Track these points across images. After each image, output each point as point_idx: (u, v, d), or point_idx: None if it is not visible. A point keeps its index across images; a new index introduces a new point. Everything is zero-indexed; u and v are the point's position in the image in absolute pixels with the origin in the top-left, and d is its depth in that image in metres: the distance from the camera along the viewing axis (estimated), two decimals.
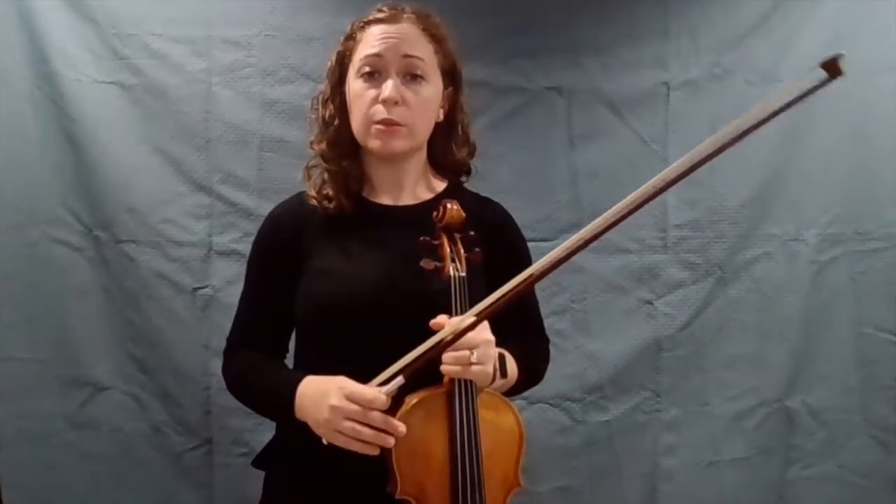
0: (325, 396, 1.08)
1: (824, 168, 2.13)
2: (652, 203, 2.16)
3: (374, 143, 1.20)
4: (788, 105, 0.95)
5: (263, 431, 2.00)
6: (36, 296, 2.04)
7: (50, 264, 2.04)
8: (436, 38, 1.23)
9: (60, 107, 2.02)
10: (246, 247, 2.03)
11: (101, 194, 2.04)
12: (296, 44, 2.08)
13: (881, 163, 2.12)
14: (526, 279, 1.08)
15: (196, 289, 2.07)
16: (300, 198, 1.29)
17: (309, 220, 1.25)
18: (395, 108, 1.18)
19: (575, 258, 2.06)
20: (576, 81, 2.13)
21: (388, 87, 1.17)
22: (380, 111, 1.18)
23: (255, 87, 2.08)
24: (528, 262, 1.34)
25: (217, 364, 2.04)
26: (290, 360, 1.34)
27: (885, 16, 2.11)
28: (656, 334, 2.17)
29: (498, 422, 1.17)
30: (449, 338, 1.06)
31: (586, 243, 1.04)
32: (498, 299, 1.06)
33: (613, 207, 1.02)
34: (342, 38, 1.26)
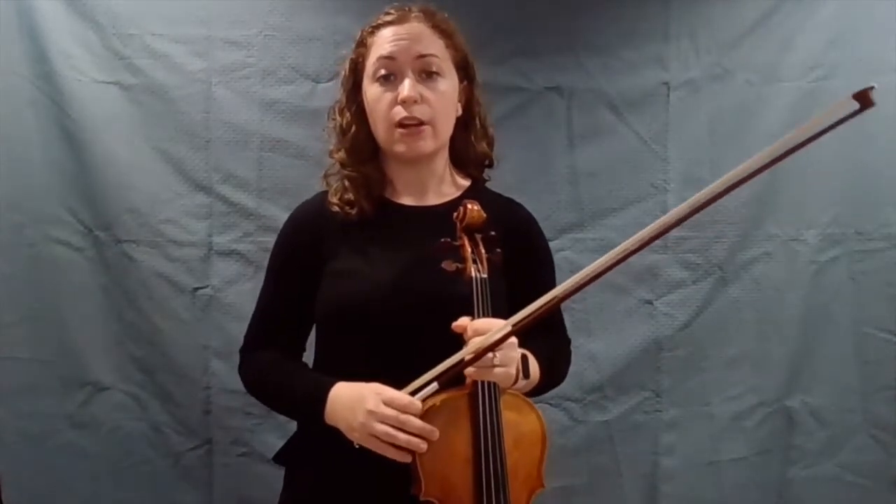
0: (360, 401, 1.09)
1: (824, 168, 2.12)
2: (652, 203, 2.19)
3: (400, 147, 1.20)
4: (818, 135, 0.98)
5: (263, 431, 2.01)
6: (36, 296, 2.04)
7: (50, 264, 2.04)
8: (446, 34, 1.23)
9: (60, 107, 2.02)
10: (246, 247, 2.06)
11: (101, 194, 2.04)
12: (296, 44, 2.08)
13: (881, 163, 2.12)
14: (550, 300, 1.10)
15: (196, 289, 2.07)
16: (322, 198, 1.28)
17: (330, 220, 1.24)
18: (415, 106, 1.18)
19: (575, 258, 2.08)
20: (576, 81, 2.13)
21: (407, 87, 1.17)
22: (400, 111, 1.18)
23: (255, 87, 2.08)
24: (551, 264, 1.33)
25: (217, 364, 2.06)
26: (307, 359, 1.34)
27: (885, 16, 2.11)
28: (656, 334, 2.16)
29: (521, 422, 1.17)
30: (481, 350, 1.06)
31: (606, 271, 1.09)
32: (528, 316, 1.08)
33: (630, 239, 1.07)
34: (353, 46, 1.25)
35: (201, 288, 2.07)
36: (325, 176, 1.30)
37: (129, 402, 2.08)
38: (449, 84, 1.23)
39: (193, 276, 2.08)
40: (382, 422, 1.07)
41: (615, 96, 2.14)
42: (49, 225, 2.04)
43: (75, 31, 2.01)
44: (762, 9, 2.12)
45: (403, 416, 1.06)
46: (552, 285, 1.32)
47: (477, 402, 1.11)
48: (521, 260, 1.24)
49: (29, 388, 2.04)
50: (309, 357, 1.34)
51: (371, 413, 1.07)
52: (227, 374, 2.04)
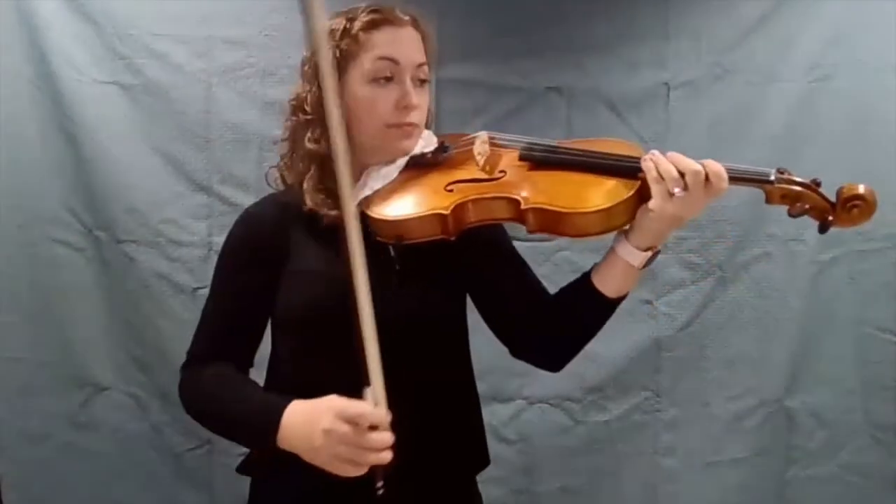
0: (316, 420, 1.01)
1: (824, 168, 2.11)
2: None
3: (395, 146, 1.17)
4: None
5: None
6: (36, 296, 2.04)
7: (50, 264, 2.05)
8: (427, 42, 1.21)
9: (60, 107, 2.02)
10: None
11: (101, 194, 2.04)
12: (296, 44, 2.07)
13: (881, 163, 2.11)
14: None
15: (196, 289, 2.07)
16: (275, 199, 1.24)
17: (289, 221, 1.20)
18: (413, 112, 1.17)
19: (575, 258, 2.07)
20: (576, 81, 2.13)
21: (412, 94, 1.15)
22: (399, 115, 1.16)
23: (255, 87, 2.08)
24: (508, 244, 1.29)
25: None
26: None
27: (885, 16, 2.10)
28: (656, 334, 2.16)
29: None
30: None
31: None
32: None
33: None
34: (337, 36, 1.18)
35: (201, 288, 2.07)
36: (285, 169, 1.23)
37: (129, 402, 2.08)
38: (429, 90, 1.22)
39: (193, 276, 2.08)
40: (342, 442, 0.99)
41: (615, 96, 2.14)
42: (49, 225, 2.04)
43: (75, 31, 2.01)
44: (762, 9, 2.12)
45: (362, 438, 0.99)
46: (513, 249, 1.28)
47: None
48: (476, 250, 1.21)
49: (29, 388, 2.04)
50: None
51: (328, 433, 0.99)
52: None
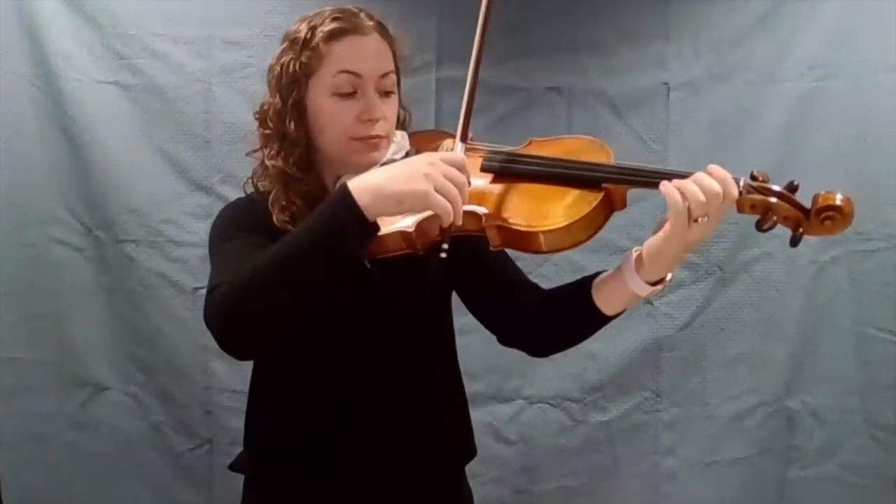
0: (413, 160, 0.98)
1: (824, 167, 2.12)
2: (652, 203, 2.18)
3: (361, 159, 1.15)
4: None
5: None
6: (36, 296, 2.05)
7: (50, 264, 2.05)
8: (394, 48, 1.19)
9: (60, 107, 2.02)
10: None
11: (102, 194, 2.04)
12: None
13: (881, 163, 2.11)
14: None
15: (196, 289, 2.07)
16: (253, 198, 1.24)
17: (268, 220, 1.17)
18: (377, 123, 1.14)
19: (576, 258, 2.07)
20: (576, 81, 2.13)
21: (376, 107, 1.13)
22: (362, 129, 1.14)
23: (255, 87, 2.08)
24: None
25: (217, 364, 2.06)
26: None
27: (885, 16, 2.10)
28: (656, 334, 2.17)
29: None
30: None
31: None
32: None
33: None
34: (297, 47, 1.18)
35: (201, 288, 2.07)
36: (259, 181, 1.23)
37: (129, 402, 2.08)
38: (396, 99, 1.20)
39: (193, 276, 2.08)
40: (449, 178, 0.93)
41: (615, 96, 2.14)
42: (49, 225, 2.05)
43: (75, 31, 2.02)
44: (762, 9, 2.12)
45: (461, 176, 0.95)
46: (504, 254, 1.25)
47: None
48: (465, 253, 1.20)
49: (29, 388, 2.05)
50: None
51: (433, 164, 0.94)
52: (227, 374, 2.05)
